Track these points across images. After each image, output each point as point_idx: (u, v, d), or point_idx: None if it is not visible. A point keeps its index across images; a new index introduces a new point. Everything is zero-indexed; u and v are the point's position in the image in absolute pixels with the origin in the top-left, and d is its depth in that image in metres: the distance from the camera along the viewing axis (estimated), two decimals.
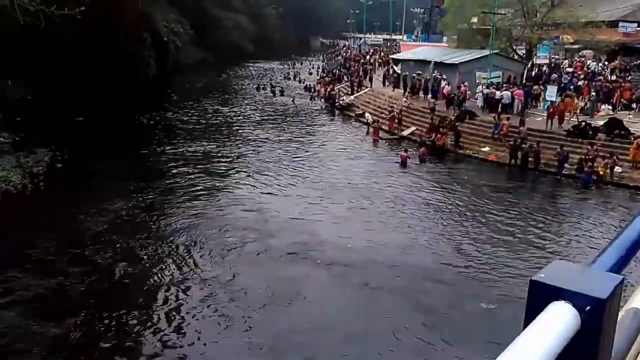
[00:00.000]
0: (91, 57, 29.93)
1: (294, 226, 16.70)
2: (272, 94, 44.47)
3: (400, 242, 15.67)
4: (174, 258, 14.20)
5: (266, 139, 29.21)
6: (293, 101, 41.75)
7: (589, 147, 22.47)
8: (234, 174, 22.61)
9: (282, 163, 24.23)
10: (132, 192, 19.29)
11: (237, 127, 32.30)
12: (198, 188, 20.15)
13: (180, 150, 26.20)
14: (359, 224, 17.19)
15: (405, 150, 25.36)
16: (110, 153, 23.08)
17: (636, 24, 42.90)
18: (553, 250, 15.50)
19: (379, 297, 12.62)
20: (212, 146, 27.04)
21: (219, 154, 25.56)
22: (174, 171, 22.46)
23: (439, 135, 26.93)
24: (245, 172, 22.77)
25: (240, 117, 35.40)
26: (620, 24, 45.47)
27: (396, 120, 30.48)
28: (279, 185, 21.00)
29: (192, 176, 21.71)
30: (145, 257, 14.34)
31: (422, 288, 13.02)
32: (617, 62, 38.73)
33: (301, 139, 29.62)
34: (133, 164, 22.82)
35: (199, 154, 25.39)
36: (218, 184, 20.94)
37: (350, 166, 24.21)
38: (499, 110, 27.67)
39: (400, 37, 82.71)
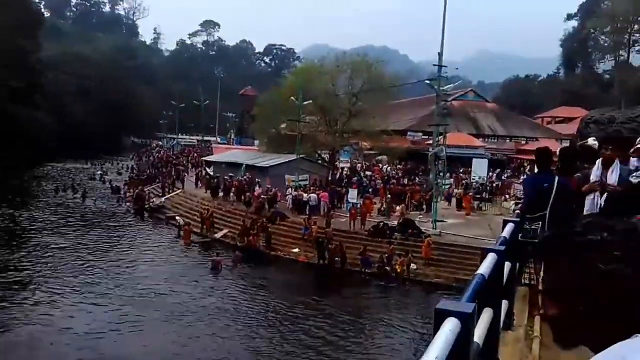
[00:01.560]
0: None
1: (89, 343, 15.16)
2: (73, 197, 41.06)
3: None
4: None
5: (64, 247, 26.43)
6: (95, 203, 38.96)
7: (387, 245, 24.17)
8: (23, 286, 20.17)
9: (83, 273, 22.08)
10: None
11: (31, 235, 28.79)
12: None
13: None
14: (163, 337, 15.93)
15: (217, 255, 24.80)
16: None
17: (421, 133, 49.19)
18: (359, 346, 15.89)
19: None
20: (2, 256, 23.67)
21: (8, 265, 22.43)
22: None
23: (251, 237, 26.92)
24: (39, 283, 20.40)
25: (36, 223, 31.67)
26: (409, 132, 51.90)
27: (210, 222, 29.96)
28: (77, 297, 19.05)
29: None
30: None
31: None
32: (407, 166, 43.55)
33: (105, 245, 27.39)
34: None
35: None
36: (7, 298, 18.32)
37: (160, 273, 22.91)
38: (307, 212, 28.77)
39: (215, 138, 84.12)
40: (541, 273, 5.54)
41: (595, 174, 4.31)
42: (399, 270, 22.99)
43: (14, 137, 54.31)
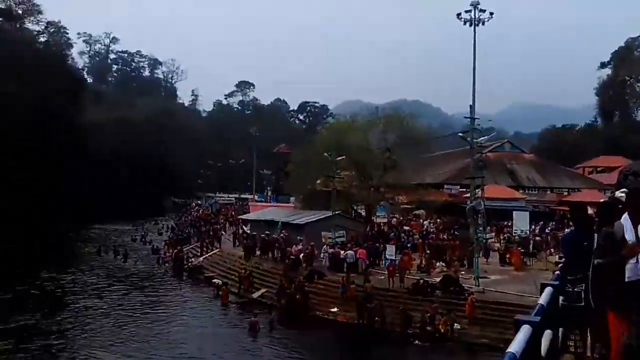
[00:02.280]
0: None
1: None
2: (115, 258, 41.68)
3: None
4: None
5: (104, 309, 26.67)
6: (135, 264, 39.45)
7: (429, 303, 23.44)
8: (64, 349, 20.44)
9: (120, 335, 22.18)
10: None
11: (72, 297, 29.19)
12: None
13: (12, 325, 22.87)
14: None
15: (255, 315, 24.51)
16: None
17: (459, 186, 48.59)
18: None
19: None
20: (46, 320, 24.07)
21: (50, 328, 22.69)
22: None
23: (297, 297, 26.52)
24: (78, 346, 20.68)
25: (77, 286, 32.18)
26: (446, 185, 51.36)
27: (249, 281, 29.84)
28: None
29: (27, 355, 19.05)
30: None
31: None
32: (445, 220, 42.79)
33: (143, 307, 27.49)
34: None
35: (33, 329, 22.46)
36: None
37: (196, 335, 22.75)
38: (345, 269, 28.36)
39: (252, 196, 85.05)
40: (589, 340, 5.14)
41: (628, 233, 3.71)
42: (442, 329, 22.17)
43: (57, 200, 56.10)
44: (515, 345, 2.41)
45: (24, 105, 55.86)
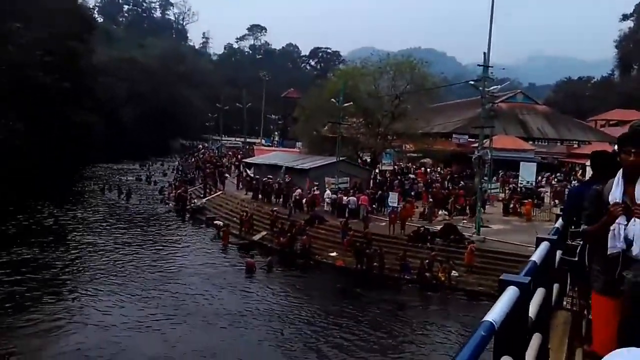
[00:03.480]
0: None
1: (119, 340, 15.38)
2: (119, 197, 41.77)
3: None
4: None
5: (105, 245, 26.80)
6: (139, 203, 39.56)
7: (428, 251, 23.30)
8: (63, 282, 20.72)
9: (119, 271, 22.36)
10: None
11: (74, 233, 29.35)
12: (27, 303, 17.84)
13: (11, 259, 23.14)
14: (193, 337, 15.75)
15: (252, 256, 24.56)
16: None
17: (467, 136, 47.80)
18: (402, 351, 15.31)
19: None
20: (45, 254, 24.23)
21: (52, 263, 23.02)
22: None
23: (287, 239, 26.54)
24: (76, 281, 20.93)
25: (79, 222, 32.34)
26: (454, 135, 50.55)
27: (249, 224, 29.80)
28: (112, 295, 19.22)
29: (23, 288, 19.28)
30: None
31: None
32: (452, 169, 42.33)
33: (143, 245, 27.55)
34: None
35: (31, 263, 22.65)
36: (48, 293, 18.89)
37: (195, 274, 22.84)
38: (346, 215, 28.20)
39: (259, 140, 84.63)
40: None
41: (614, 193, 3.00)
42: (440, 277, 22.10)
43: (66, 139, 55.87)
44: (495, 312, 1.85)
45: (31, 45, 54.86)
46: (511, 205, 30.03)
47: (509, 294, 2.10)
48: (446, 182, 37.83)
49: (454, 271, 22.17)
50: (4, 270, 21.09)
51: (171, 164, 71.36)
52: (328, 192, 30.90)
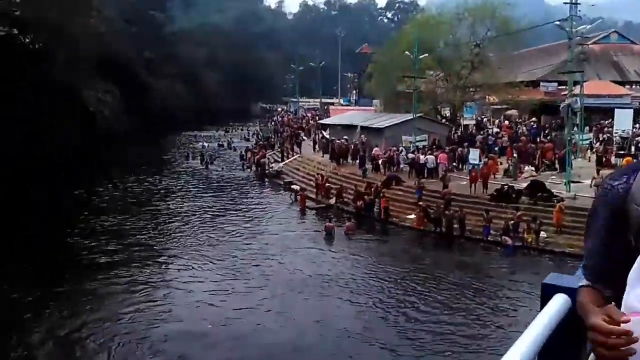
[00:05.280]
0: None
1: (197, 309, 15.50)
2: (201, 164, 42.86)
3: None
4: None
5: (185, 212, 27.63)
6: (221, 169, 40.39)
7: (513, 211, 21.91)
8: (144, 248, 21.37)
9: (198, 238, 22.89)
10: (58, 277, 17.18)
11: (156, 200, 30.55)
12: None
13: (103, 224, 24.65)
14: (273, 305, 15.73)
15: (330, 220, 24.26)
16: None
17: (557, 83, 44.35)
18: (487, 321, 14.62)
19: None
20: (130, 221, 25.38)
21: (137, 230, 24.00)
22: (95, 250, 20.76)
23: (362, 201, 25.95)
24: (156, 247, 21.64)
25: (162, 189, 33.63)
26: (542, 83, 47.11)
27: (326, 187, 29.48)
28: (191, 262, 19.57)
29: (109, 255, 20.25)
30: None
31: None
32: (540, 121, 39.61)
33: (222, 211, 28.07)
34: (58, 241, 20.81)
35: (117, 229, 23.84)
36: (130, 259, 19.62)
37: (273, 239, 22.86)
38: (425, 175, 27.18)
39: (337, 100, 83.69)
40: None
41: None
42: (528, 239, 20.74)
43: (150, 107, 57.94)
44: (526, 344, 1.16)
45: (113, 16, 56.73)
46: (605, 158, 27.58)
47: (555, 307, 1.39)
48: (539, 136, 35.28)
49: (542, 232, 20.72)
50: (93, 238, 22.21)
51: (252, 129, 72.37)
52: (404, 150, 29.86)
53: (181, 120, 66.77)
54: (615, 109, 32.90)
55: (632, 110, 33.52)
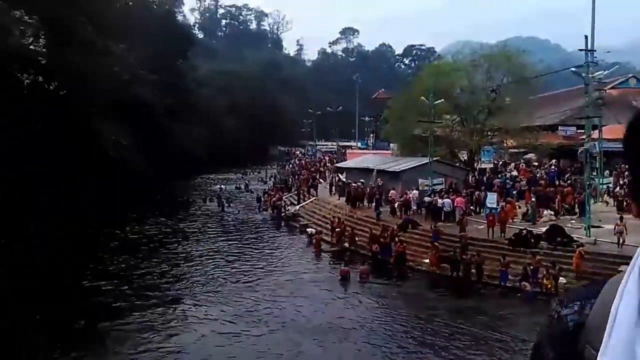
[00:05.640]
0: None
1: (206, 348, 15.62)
2: (218, 206, 43.06)
3: None
4: None
5: (201, 255, 27.58)
6: (238, 212, 40.53)
7: (532, 256, 21.47)
8: (157, 290, 21.29)
9: (211, 281, 22.76)
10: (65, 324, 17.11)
11: (172, 243, 30.54)
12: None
13: (117, 266, 24.71)
14: (282, 349, 15.44)
15: (346, 264, 24.01)
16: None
17: (575, 127, 44.11)
18: None
19: None
20: (145, 263, 25.40)
21: (152, 272, 24.01)
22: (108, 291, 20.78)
23: (398, 244, 25.54)
24: (176, 290, 21.55)
25: (179, 232, 33.68)
26: (560, 127, 46.96)
27: (340, 231, 29.29)
28: (211, 305, 19.49)
29: (123, 295, 20.29)
30: None
31: None
32: (559, 164, 39.23)
33: (239, 255, 27.97)
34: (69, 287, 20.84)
35: (132, 271, 23.84)
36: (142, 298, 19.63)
37: (286, 283, 22.62)
38: (442, 218, 26.95)
39: (355, 143, 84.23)
40: None
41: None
42: (548, 285, 20.22)
43: (169, 151, 58.78)
44: None
45: (135, 65, 58.35)
46: (626, 202, 27.07)
47: None
48: (557, 179, 34.94)
49: (561, 278, 20.22)
50: (108, 279, 22.20)
51: (270, 172, 72.89)
52: (415, 192, 29.72)
53: (200, 163, 67.55)
54: None
55: None
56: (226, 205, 42.91)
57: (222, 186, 53.66)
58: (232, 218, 38.69)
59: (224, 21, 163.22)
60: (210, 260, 26.35)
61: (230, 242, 30.84)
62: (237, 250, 28.80)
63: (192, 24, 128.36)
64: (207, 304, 19.56)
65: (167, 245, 29.85)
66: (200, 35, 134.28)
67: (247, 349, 15.64)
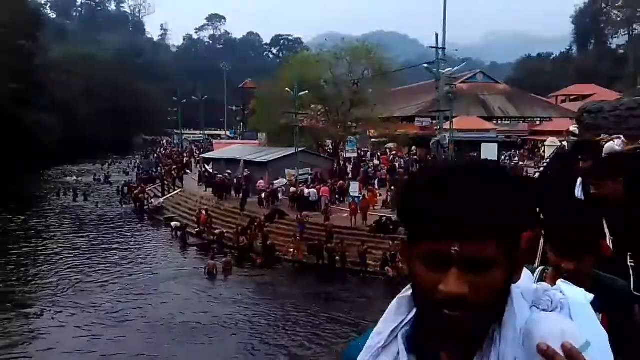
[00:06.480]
0: None
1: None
2: (74, 200, 40.16)
3: None
4: None
5: (57, 252, 25.67)
6: (97, 206, 38.16)
7: (391, 242, 22.63)
8: (13, 289, 19.77)
9: (71, 278, 21.36)
10: None
11: (27, 240, 27.93)
12: None
13: None
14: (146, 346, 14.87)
15: (212, 258, 23.65)
16: None
17: (430, 119, 47.38)
18: None
19: None
20: None
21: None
22: None
23: (246, 237, 25.63)
24: (26, 289, 20.07)
25: (32, 228, 30.88)
26: (417, 118, 50.16)
27: (207, 223, 28.74)
28: (72, 310, 18.08)
29: None
30: None
31: None
32: (415, 153, 41.87)
33: (97, 250, 26.39)
34: None
35: None
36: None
37: (150, 279, 21.84)
38: (308, 208, 27.47)
39: (224, 133, 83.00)
40: None
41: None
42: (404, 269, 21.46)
43: (18, 141, 53.56)
44: None
45: None
46: None
47: None
48: (411, 167, 37.25)
49: None
50: None
51: (133, 162, 69.37)
52: (281, 181, 30.10)
53: (53, 154, 62.28)
54: (482, 143, 35.69)
55: (496, 144, 36.55)
56: (83, 199, 40.13)
57: (78, 178, 50.14)
58: (90, 213, 36.24)
59: (79, 1, 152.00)
60: (65, 260, 24.48)
61: (87, 239, 28.86)
62: (95, 248, 27.05)
63: (42, 2, 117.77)
64: (60, 308, 18.17)
65: (14, 244, 27.15)
66: (53, 16, 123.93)
67: (106, 353, 14.80)
